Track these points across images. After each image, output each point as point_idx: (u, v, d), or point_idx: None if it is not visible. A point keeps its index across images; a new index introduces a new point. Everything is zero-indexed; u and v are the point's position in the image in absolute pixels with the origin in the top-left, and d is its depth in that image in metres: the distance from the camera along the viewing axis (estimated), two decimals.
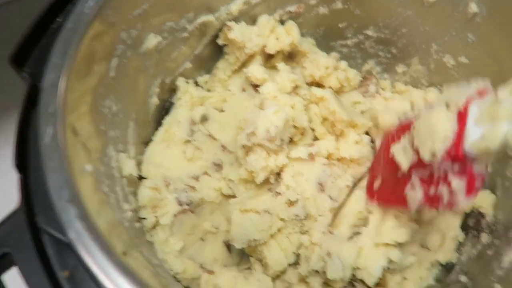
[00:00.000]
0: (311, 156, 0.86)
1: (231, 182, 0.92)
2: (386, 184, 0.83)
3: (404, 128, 0.76)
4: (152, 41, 0.82)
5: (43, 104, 0.56)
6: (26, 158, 0.64)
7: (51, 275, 0.58)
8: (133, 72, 0.81)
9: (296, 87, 0.93)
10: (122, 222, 0.70)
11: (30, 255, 0.58)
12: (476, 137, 0.57)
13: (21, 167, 0.63)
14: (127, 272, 0.50)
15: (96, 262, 0.50)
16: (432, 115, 0.65)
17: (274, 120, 0.79)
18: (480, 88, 0.60)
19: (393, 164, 0.74)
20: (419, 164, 0.68)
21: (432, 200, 0.68)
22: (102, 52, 0.69)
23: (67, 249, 0.53)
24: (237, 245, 0.86)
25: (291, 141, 0.91)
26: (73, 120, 0.60)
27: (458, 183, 0.62)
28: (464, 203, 0.63)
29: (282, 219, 0.85)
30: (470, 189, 0.61)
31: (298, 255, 0.87)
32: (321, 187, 0.87)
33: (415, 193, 0.71)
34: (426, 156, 0.64)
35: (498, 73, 0.80)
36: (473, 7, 0.79)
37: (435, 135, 0.62)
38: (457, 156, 0.59)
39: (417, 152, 0.67)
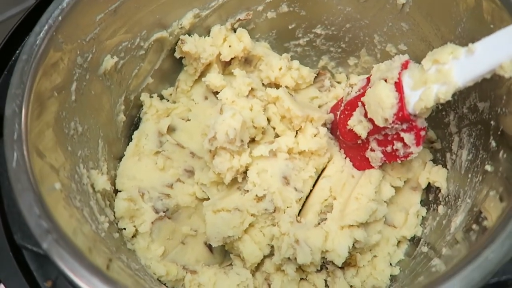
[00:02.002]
0: (273, 153, 0.92)
1: (203, 186, 0.97)
2: (349, 153, 0.95)
3: (352, 104, 0.89)
4: (109, 62, 0.87)
5: (7, 132, 0.61)
6: None
7: (35, 287, 0.63)
8: (95, 93, 0.86)
9: (252, 90, 0.99)
10: (98, 233, 0.74)
11: (13, 272, 0.63)
12: (415, 100, 0.72)
13: None
14: (99, 274, 0.55)
15: (70, 268, 0.55)
16: (376, 89, 0.78)
17: (231, 123, 0.85)
18: (402, 61, 0.78)
19: (353, 134, 0.88)
20: (375, 130, 0.82)
21: (391, 156, 0.84)
22: (60, 78, 0.74)
23: (47, 261, 0.58)
24: (213, 244, 0.91)
25: (254, 141, 0.96)
26: (37, 144, 0.65)
27: (408, 137, 0.77)
28: (417, 152, 0.79)
29: (252, 215, 0.91)
30: (418, 140, 0.77)
31: (272, 247, 0.92)
32: (286, 180, 0.92)
33: (375, 154, 0.87)
34: (380, 122, 0.78)
35: None
36: None
37: (383, 104, 0.76)
38: (404, 117, 0.74)
39: (371, 121, 0.81)
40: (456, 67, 0.67)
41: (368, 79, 0.89)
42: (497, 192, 0.65)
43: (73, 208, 0.68)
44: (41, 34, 0.70)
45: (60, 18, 0.73)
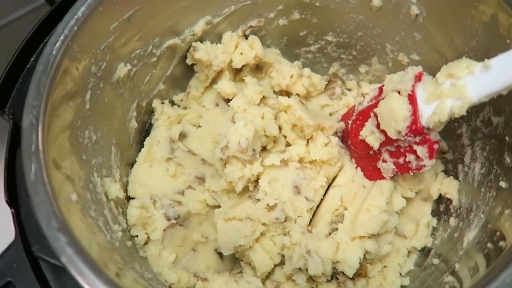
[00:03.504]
0: (284, 162, 0.92)
1: (214, 193, 0.97)
2: (361, 163, 0.95)
3: (364, 114, 0.89)
4: (122, 70, 0.87)
5: (25, 144, 0.62)
6: (16, 194, 0.69)
7: None
8: (108, 101, 0.86)
9: (264, 98, 0.99)
10: (112, 242, 0.75)
11: (30, 282, 0.63)
12: (429, 113, 0.72)
13: (12, 203, 0.68)
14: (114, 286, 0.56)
15: (88, 282, 0.55)
16: (389, 101, 0.78)
17: (244, 132, 0.85)
18: (415, 73, 0.77)
19: (365, 145, 0.88)
20: (387, 141, 0.82)
21: (403, 168, 0.84)
22: (75, 87, 0.74)
23: (64, 272, 0.59)
24: (224, 252, 0.91)
25: (265, 149, 0.96)
26: (54, 155, 0.65)
27: (421, 150, 0.77)
28: (430, 165, 0.78)
29: (264, 224, 0.91)
30: (431, 153, 0.76)
31: (283, 256, 0.92)
32: (297, 190, 0.92)
33: (387, 165, 0.87)
34: (392, 134, 0.78)
35: None
36: (414, 9, 0.86)
37: (396, 116, 0.76)
38: (417, 130, 0.74)
39: (384, 132, 0.80)
40: (471, 83, 0.67)
41: (380, 89, 0.89)
42: None
43: (89, 218, 0.69)
44: (57, 44, 0.70)
45: (75, 28, 0.73)
